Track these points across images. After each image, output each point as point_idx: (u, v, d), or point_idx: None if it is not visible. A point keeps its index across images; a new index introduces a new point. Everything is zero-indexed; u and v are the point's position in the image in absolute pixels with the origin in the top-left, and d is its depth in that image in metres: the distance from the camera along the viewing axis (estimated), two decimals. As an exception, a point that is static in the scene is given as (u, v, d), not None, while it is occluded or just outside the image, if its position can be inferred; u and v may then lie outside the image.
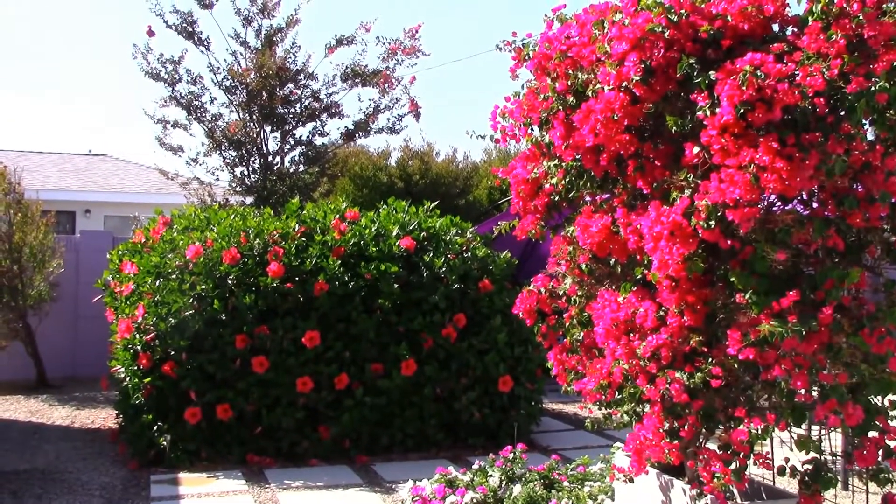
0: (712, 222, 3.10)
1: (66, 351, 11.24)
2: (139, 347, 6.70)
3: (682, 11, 3.33)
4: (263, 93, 11.97)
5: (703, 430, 3.57)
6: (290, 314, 6.86)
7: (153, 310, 6.72)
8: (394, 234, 7.40)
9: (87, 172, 23.97)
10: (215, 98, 12.37)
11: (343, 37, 12.59)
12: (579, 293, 4.22)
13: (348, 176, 17.49)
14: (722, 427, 3.53)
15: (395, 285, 7.02)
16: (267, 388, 6.78)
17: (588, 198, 4.08)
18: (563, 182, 4.03)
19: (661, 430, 3.57)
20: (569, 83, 3.78)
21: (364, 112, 12.80)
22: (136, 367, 6.72)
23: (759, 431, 3.39)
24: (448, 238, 7.58)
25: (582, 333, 4.19)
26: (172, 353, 6.65)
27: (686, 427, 3.47)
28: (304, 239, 7.21)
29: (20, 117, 52.76)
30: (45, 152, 25.67)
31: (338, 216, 7.57)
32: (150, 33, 12.03)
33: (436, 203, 8.31)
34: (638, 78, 3.32)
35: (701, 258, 3.26)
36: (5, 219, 10.41)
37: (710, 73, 3.19)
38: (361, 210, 7.89)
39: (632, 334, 3.58)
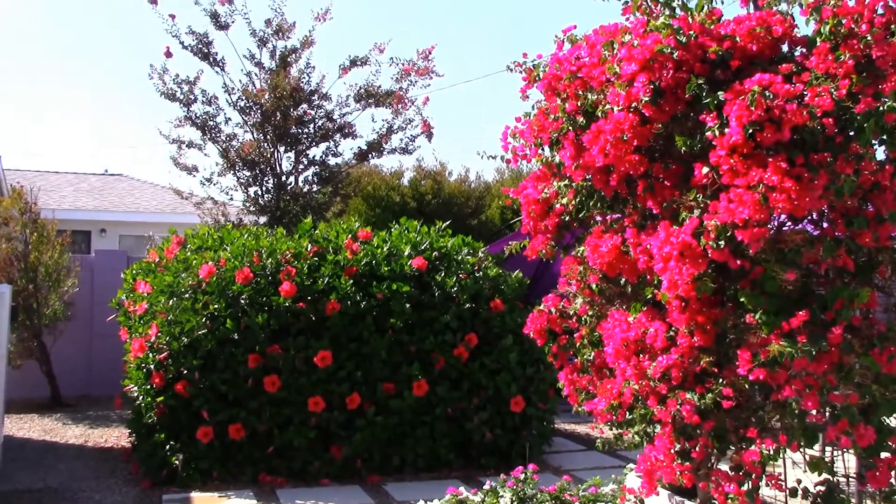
0: (722, 242, 3.10)
1: (80, 369, 11.29)
2: (152, 366, 6.73)
3: (691, 33, 3.35)
4: (278, 113, 12.06)
5: (715, 451, 3.56)
6: (302, 333, 6.88)
7: (166, 329, 6.75)
8: (406, 253, 7.42)
9: (103, 192, 24.16)
10: (230, 118, 12.48)
11: (357, 58, 12.68)
12: (590, 313, 4.21)
13: (361, 196, 17.55)
14: (734, 448, 3.51)
15: (407, 305, 7.03)
16: (279, 407, 6.79)
17: (598, 218, 4.08)
18: (573, 202, 4.04)
19: (672, 451, 3.55)
20: (579, 104, 3.81)
21: (377, 132, 12.87)
22: (149, 386, 6.75)
23: (771, 452, 3.37)
24: (460, 258, 7.60)
25: (593, 353, 4.19)
26: (185, 372, 6.68)
27: (697, 448, 3.46)
28: (316, 259, 7.24)
29: (37, 137, 53.26)
30: (61, 172, 25.89)
31: (350, 236, 7.60)
32: (168, 54, 12.16)
33: (448, 223, 8.33)
34: (647, 98, 3.33)
35: (710, 278, 3.25)
36: (21, 238, 10.50)
37: (719, 93, 3.21)
38: (374, 230, 7.92)
39: (642, 354, 3.58)
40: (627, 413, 3.83)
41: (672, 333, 3.45)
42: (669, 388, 3.45)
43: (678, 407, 3.38)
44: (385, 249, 7.40)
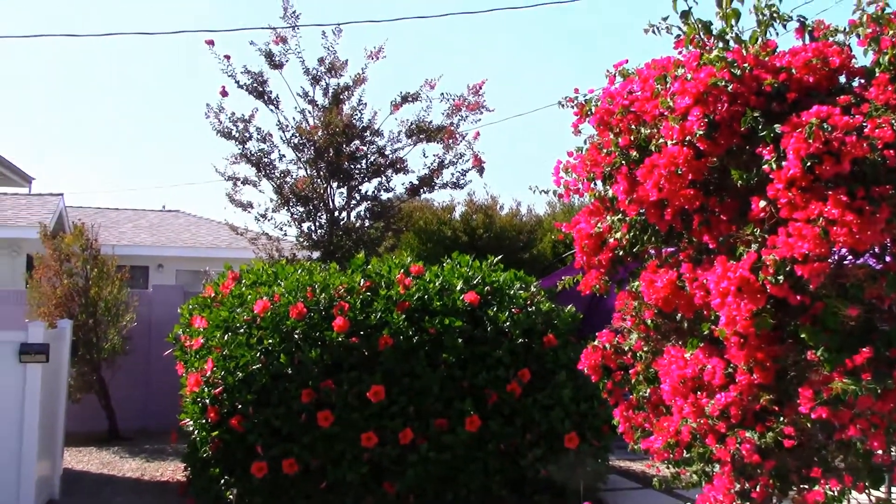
0: (781, 277, 3.03)
1: (137, 403, 11.45)
2: (207, 401, 6.79)
3: (746, 65, 3.32)
4: (331, 149, 12.22)
5: (776, 492, 3.46)
6: (355, 368, 6.90)
7: (221, 364, 6.82)
8: (458, 288, 7.42)
9: (161, 228, 24.64)
10: (284, 155, 12.69)
11: (408, 94, 12.82)
12: (645, 349, 4.15)
13: (413, 230, 17.63)
14: (796, 489, 3.41)
15: (460, 340, 7.01)
16: (332, 442, 6.79)
17: (652, 252, 4.04)
18: (627, 236, 4.00)
19: (731, 492, 3.46)
20: (631, 138, 3.78)
21: (428, 167, 12.96)
22: (204, 421, 6.81)
23: (836, 493, 3.27)
24: (512, 292, 7.57)
25: (648, 390, 4.12)
26: (240, 406, 6.73)
27: (758, 488, 3.37)
28: (369, 293, 7.27)
29: (97, 175, 54.70)
30: (120, 209, 26.50)
31: (402, 271, 7.62)
32: (224, 93, 12.43)
33: (500, 257, 8.32)
34: (702, 132, 3.30)
35: (770, 314, 3.19)
36: (82, 274, 10.73)
37: (776, 126, 3.16)
38: (426, 264, 7.93)
39: (700, 392, 3.51)
40: (685, 451, 3.75)
41: (730, 370, 3.38)
42: (728, 426, 3.37)
43: (738, 446, 3.30)
44: (437, 284, 7.41)
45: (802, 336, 3.17)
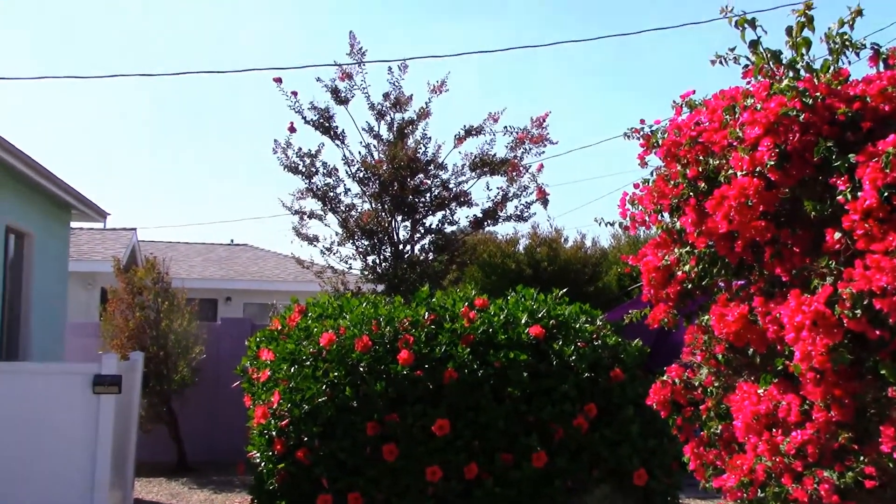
0: (858, 311, 2.94)
1: (204, 434, 11.60)
2: (274, 433, 6.83)
3: (818, 94, 3.25)
4: (395, 183, 12.32)
5: (857, 534, 3.33)
6: (419, 402, 6.88)
7: (288, 396, 6.87)
8: (522, 321, 7.36)
9: (229, 261, 25.12)
10: (349, 189, 12.83)
11: (472, 127, 12.88)
12: (716, 384, 4.06)
13: (477, 263, 17.64)
14: (877, 531, 3.28)
15: (525, 374, 6.95)
16: (397, 476, 6.77)
17: (722, 285, 3.96)
18: (695, 269, 3.93)
19: (809, 533, 3.34)
20: (699, 169, 3.73)
21: (492, 200, 12.96)
22: (270, 453, 6.85)
23: (921, 537, 3.13)
24: (578, 326, 7.49)
25: (720, 427, 4.02)
26: (306, 439, 6.75)
27: (837, 530, 3.24)
28: (433, 326, 7.26)
29: (169, 210, 56.11)
30: (190, 243, 27.12)
31: (467, 304, 7.61)
32: (292, 129, 12.64)
33: (564, 290, 8.24)
34: (772, 163, 3.24)
35: (847, 349, 3.08)
36: (153, 307, 10.98)
37: (850, 155, 3.09)
38: (490, 297, 7.90)
39: (774, 429, 3.41)
40: (759, 491, 3.63)
41: (806, 407, 3.28)
42: (805, 465, 3.26)
43: (816, 486, 3.19)
44: (502, 317, 7.37)
45: (882, 372, 3.06)
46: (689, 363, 4.22)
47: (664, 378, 4.25)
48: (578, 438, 6.98)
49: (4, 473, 7.09)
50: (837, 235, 3.10)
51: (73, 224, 14.09)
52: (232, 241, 29.23)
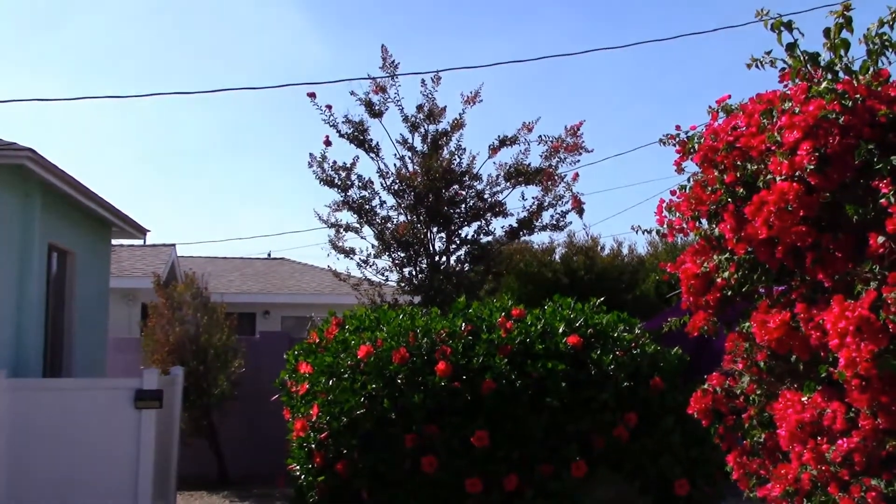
0: (904, 316, 2.88)
1: (244, 447, 11.68)
2: (313, 446, 6.86)
3: (858, 96, 3.20)
4: (430, 195, 12.34)
5: (907, 544, 3.25)
6: (457, 413, 6.86)
7: (327, 409, 6.89)
8: (560, 331, 7.32)
9: (267, 276, 25.30)
10: (384, 201, 12.87)
11: (506, 137, 12.87)
12: (758, 392, 4.00)
13: (513, 273, 17.58)
14: (928, 541, 3.20)
15: (563, 384, 6.90)
16: (436, 488, 6.75)
17: (763, 291, 3.90)
18: (735, 276, 3.87)
19: (857, 543, 3.27)
20: (737, 175, 3.68)
21: (528, 210, 12.93)
22: (310, 466, 6.88)
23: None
24: (616, 334, 7.43)
25: (763, 435, 3.95)
26: (345, 451, 6.77)
27: (886, 540, 3.17)
28: (470, 337, 7.25)
29: (207, 226, 56.75)
30: (229, 257, 27.37)
31: (503, 314, 7.58)
32: (328, 143, 12.72)
33: (602, 299, 8.19)
34: (812, 167, 3.19)
35: (893, 355, 3.02)
36: (193, 321, 11.09)
37: (892, 157, 3.03)
38: (527, 307, 7.87)
39: (819, 437, 3.34)
40: (805, 500, 3.56)
41: (852, 415, 3.22)
42: (852, 473, 3.20)
43: (863, 494, 3.12)
44: (539, 327, 7.34)
45: (930, 378, 2.99)
46: (731, 371, 4.16)
47: (705, 386, 4.19)
48: (618, 448, 6.92)
49: (49, 487, 7.19)
50: (881, 239, 3.04)
51: (114, 241, 14.31)
52: (269, 254, 29.49)
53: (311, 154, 12.78)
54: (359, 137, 12.74)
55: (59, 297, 11.10)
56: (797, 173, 3.26)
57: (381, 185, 12.80)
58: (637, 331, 7.57)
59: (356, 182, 12.74)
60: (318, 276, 24.64)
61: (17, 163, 8.84)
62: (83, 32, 46.17)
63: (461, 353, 7.06)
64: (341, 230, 13.00)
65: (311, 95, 12.58)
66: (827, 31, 3.55)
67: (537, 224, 12.97)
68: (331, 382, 7.06)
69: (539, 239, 27.19)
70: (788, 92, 3.53)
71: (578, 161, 12.93)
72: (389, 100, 12.74)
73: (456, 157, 12.69)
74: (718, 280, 3.96)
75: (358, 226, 12.91)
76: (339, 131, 12.73)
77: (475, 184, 12.86)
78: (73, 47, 47.43)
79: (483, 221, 12.98)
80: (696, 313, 4.11)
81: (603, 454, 6.91)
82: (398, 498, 6.71)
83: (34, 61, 48.32)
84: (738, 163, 3.68)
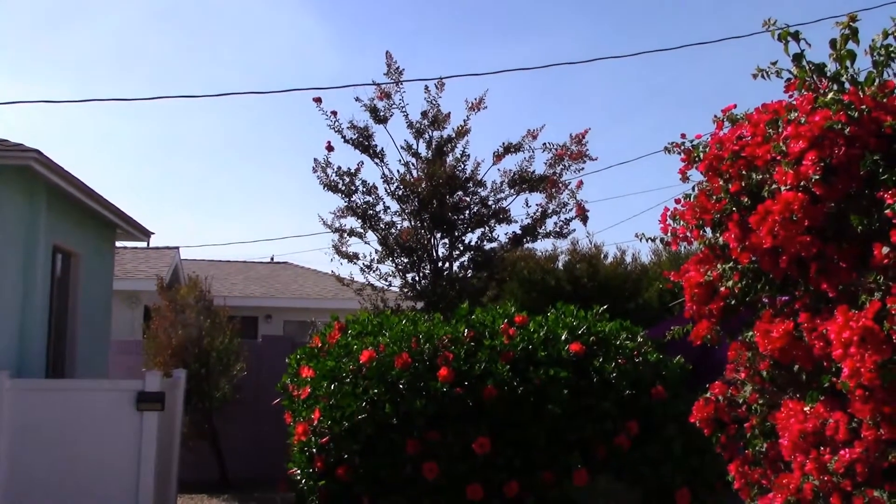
0: (908, 327, 2.88)
1: (245, 451, 11.67)
2: (315, 450, 6.85)
3: (864, 107, 3.21)
4: (434, 201, 12.35)
5: (908, 556, 3.25)
6: (459, 419, 6.85)
7: (328, 413, 6.88)
8: (562, 338, 7.32)
9: (269, 280, 25.32)
10: (388, 207, 12.89)
11: (510, 144, 12.89)
12: (760, 402, 4.00)
13: (516, 280, 17.58)
14: (930, 553, 3.19)
15: (565, 391, 6.90)
16: (437, 494, 6.74)
17: (766, 301, 3.90)
18: (739, 285, 3.88)
19: (859, 554, 3.27)
20: (742, 184, 3.69)
21: (531, 217, 12.94)
22: (311, 470, 6.87)
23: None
24: (618, 342, 7.42)
25: (765, 445, 3.95)
26: (346, 456, 6.76)
27: (888, 551, 3.17)
28: (473, 343, 7.24)
29: (210, 229, 56.83)
30: (231, 261, 27.41)
31: (506, 320, 7.58)
32: (330, 148, 12.76)
33: (605, 306, 8.18)
34: (817, 177, 3.19)
35: (896, 365, 3.02)
36: (196, 324, 11.09)
37: (898, 169, 3.04)
38: (529, 314, 7.87)
39: (821, 447, 3.34)
40: (807, 511, 3.56)
41: (855, 425, 3.22)
42: (854, 484, 3.19)
43: (865, 506, 3.12)
44: (542, 334, 7.34)
45: (933, 389, 2.99)
46: (733, 380, 4.16)
47: (707, 395, 4.20)
48: (620, 456, 6.91)
49: (51, 488, 7.19)
50: (885, 250, 3.05)
51: (118, 243, 14.33)
52: (272, 258, 29.50)
53: (315, 159, 12.83)
54: (363, 143, 12.76)
55: (63, 299, 11.11)
56: (802, 183, 3.26)
57: (386, 190, 12.85)
58: (640, 339, 7.57)
59: (360, 187, 12.77)
60: (320, 280, 24.66)
61: (24, 164, 8.86)
62: (91, 36, 46.33)
63: (463, 359, 7.05)
64: (345, 235, 13.03)
65: (317, 101, 12.61)
66: (833, 42, 3.56)
67: (541, 231, 12.98)
68: (333, 387, 7.06)
69: (542, 246, 27.23)
70: (794, 102, 3.54)
71: (583, 169, 12.96)
72: (394, 106, 12.78)
73: (460, 163, 12.71)
74: (722, 289, 3.96)
75: (362, 231, 12.93)
76: (343, 137, 12.76)
77: (479, 190, 12.88)
78: (82, 50, 47.60)
79: (487, 228, 13.00)
80: (700, 322, 4.11)
81: (604, 462, 6.90)
82: (399, 503, 6.70)
83: (42, 64, 48.48)
84: (744, 172, 3.69)
